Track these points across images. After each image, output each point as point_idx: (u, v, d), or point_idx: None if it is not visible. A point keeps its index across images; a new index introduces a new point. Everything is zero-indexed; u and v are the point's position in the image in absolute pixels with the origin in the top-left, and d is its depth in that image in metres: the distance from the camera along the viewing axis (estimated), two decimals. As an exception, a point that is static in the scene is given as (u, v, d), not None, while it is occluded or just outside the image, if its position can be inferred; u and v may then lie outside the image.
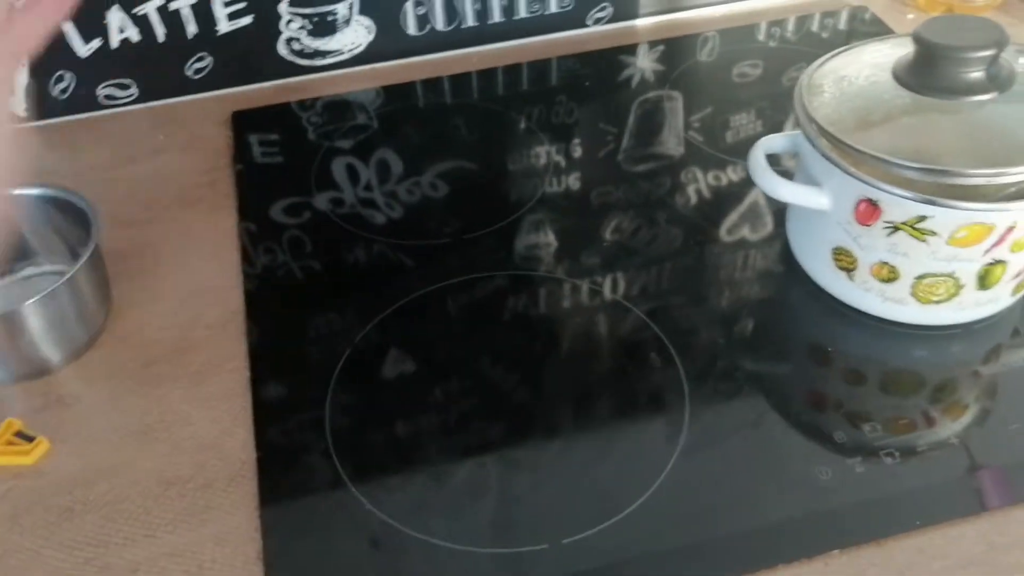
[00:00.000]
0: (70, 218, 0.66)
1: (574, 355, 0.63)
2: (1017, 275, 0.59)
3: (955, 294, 0.58)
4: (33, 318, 0.59)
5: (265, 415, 0.59)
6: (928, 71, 0.58)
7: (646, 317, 0.64)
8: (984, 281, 0.58)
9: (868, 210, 0.57)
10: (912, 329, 0.62)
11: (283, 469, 0.56)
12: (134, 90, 0.86)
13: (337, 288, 0.68)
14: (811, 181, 0.61)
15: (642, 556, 0.51)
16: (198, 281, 0.69)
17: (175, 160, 0.81)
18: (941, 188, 0.55)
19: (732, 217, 0.73)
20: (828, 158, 0.57)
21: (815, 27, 0.97)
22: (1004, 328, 0.63)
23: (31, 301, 0.58)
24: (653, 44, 0.95)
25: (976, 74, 0.57)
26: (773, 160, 0.63)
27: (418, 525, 0.52)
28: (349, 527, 0.53)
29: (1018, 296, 0.61)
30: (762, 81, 0.90)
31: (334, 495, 0.55)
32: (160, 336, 0.65)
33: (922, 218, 0.55)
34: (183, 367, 0.63)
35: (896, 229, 0.57)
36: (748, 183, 0.76)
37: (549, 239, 0.72)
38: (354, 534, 0.53)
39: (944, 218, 0.55)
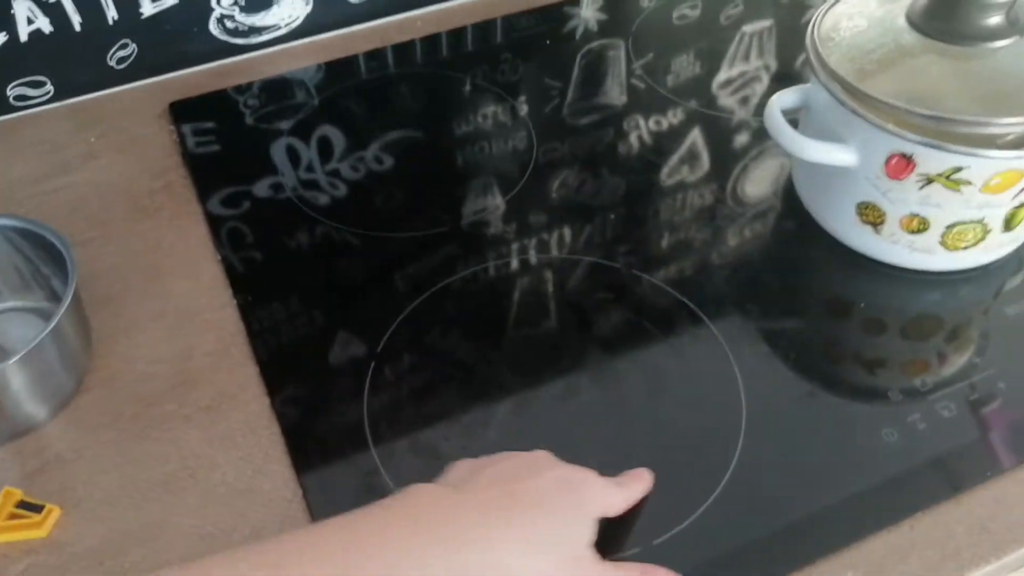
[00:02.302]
0: (28, 248, 0.58)
1: (600, 336, 0.60)
2: (1037, 214, 0.60)
3: (982, 239, 0.59)
4: (17, 376, 0.52)
5: (299, 444, 0.54)
6: (946, 17, 0.57)
7: (670, 289, 0.62)
8: (1010, 223, 0.59)
9: (900, 164, 0.56)
10: (932, 276, 0.62)
11: (335, 503, 0.52)
12: (49, 87, 0.76)
13: (344, 285, 0.63)
14: (826, 136, 0.60)
15: (736, 547, 0.50)
16: (182, 303, 0.62)
17: (116, 164, 0.72)
18: (969, 137, 0.54)
19: (737, 169, 0.71)
20: (858, 113, 0.56)
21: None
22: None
23: (15, 359, 0.50)
24: (598, -7, 0.91)
25: (995, 19, 0.56)
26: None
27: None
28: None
29: (1032, 232, 0.62)
30: (701, 22, 0.89)
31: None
32: (155, 370, 0.58)
33: (958, 169, 0.55)
34: (192, 403, 0.57)
35: (930, 181, 0.56)
36: (689, 125, 0.76)
37: (538, 216, 0.68)
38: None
39: (981, 167, 0.55)
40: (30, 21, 0.72)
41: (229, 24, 0.79)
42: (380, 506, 0.42)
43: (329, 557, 0.39)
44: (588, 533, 0.45)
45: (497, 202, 0.69)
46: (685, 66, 0.84)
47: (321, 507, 0.51)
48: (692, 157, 0.73)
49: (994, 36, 0.56)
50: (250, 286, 0.63)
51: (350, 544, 0.40)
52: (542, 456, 0.47)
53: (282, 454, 0.54)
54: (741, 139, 0.75)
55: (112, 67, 0.77)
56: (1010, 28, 0.56)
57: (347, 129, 0.76)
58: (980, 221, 0.58)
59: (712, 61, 0.83)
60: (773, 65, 0.83)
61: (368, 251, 0.66)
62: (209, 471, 0.53)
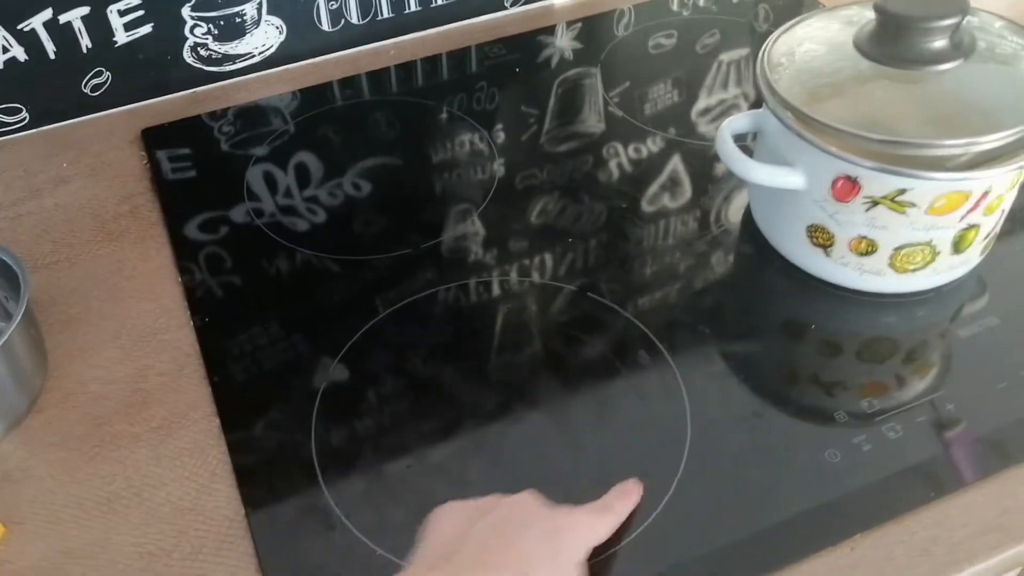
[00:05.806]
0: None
1: (551, 358, 0.60)
2: (987, 236, 0.60)
3: (931, 261, 0.59)
4: (-33, 392, 0.53)
5: (246, 465, 0.55)
6: (892, 42, 0.57)
7: (623, 311, 0.63)
8: (958, 245, 0.59)
9: (846, 187, 0.57)
10: (886, 298, 0.62)
11: (277, 522, 0.52)
12: (25, 114, 0.77)
13: (299, 310, 0.64)
14: (776, 159, 0.60)
15: (674, 566, 0.49)
16: (140, 324, 0.63)
17: (85, 188, 0.74)
18: (915, 160, 0.55)
19: (695, 194, 0.72)
20: (804, 137, 0.57)
21: (726, -8, 0.96)
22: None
23: (-37, 374, 0.52)
24: (571, 23, 0.92)
25: (940, 43, 0.57)
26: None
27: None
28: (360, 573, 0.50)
29: (984, 255, 0.62)
30: (677, 51, 0.89)
31: (336, 541, 0.51)
32: (108, 391, 0.59)
33: (902, 191, 0.55)
34: (142, 423, 0.57)
35: (875, 204, 0.56)
36: (667, 154, 0.76)
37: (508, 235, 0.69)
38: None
39: (924, 189, 0.55)
40: (5, 50, 0.73)
41: (203, 52, 0.81)
42: None
43: None
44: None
45: (468, 227, 0.70)
46: (662, 94, 0.85)
47: (263, 526, 0.52)
48: (673, 184, 0.73)
49: (939, 60, 0.57)
50: (208, 308, 0.64)
51: None
52: (528, 504, 0.47)
53: (228, 473, 0.54)
54: (719, 167, 0.75)
55: (87, 94, 0.78)
56: (955, 51, 0.57)
57: (322, 155, 0.77)
58: (928, 243, 0.58)
59: (689, 89, 0.83)
60: (752, 93, 0.83)
61: (325, 273, 0.66)
62: (154, 490, 0.54)
